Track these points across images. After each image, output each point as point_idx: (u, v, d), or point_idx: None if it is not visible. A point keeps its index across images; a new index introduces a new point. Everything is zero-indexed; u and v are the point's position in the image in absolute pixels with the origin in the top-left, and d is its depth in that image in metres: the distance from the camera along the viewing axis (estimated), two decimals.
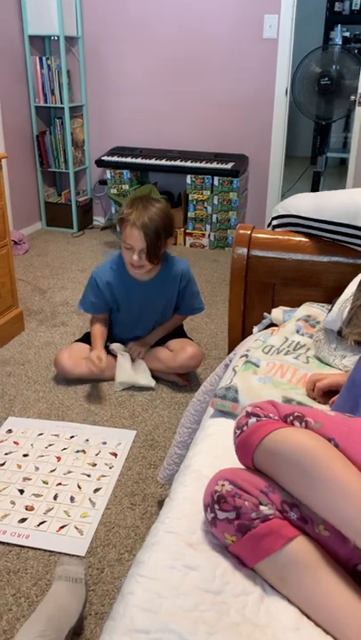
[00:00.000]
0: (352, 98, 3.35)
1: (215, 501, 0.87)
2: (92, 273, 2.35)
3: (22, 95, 4.09)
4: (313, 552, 0.82)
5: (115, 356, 2.37)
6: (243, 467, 0.95)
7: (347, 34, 5.89)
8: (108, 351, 2.38)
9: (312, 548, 0.83)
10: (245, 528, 0.84)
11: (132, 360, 2.37)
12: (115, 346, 2.39)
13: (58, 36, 3.92)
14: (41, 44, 4.13)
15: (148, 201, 2.14)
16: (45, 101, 4.13)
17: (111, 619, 0.72)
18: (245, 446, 0.90)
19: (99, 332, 2.37)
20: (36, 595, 1.44)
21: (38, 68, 4.04)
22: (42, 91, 4.10)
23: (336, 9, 5.84)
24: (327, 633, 0.77)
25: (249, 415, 0.93)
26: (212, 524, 0.88)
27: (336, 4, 5.82)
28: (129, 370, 2.33)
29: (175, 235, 3.84)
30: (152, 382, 2.34)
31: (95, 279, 2.31)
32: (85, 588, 1.36)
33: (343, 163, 5.88)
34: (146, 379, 2.34)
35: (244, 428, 0.91)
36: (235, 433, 0.94)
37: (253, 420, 0.91)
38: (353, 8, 5.75)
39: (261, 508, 0.84)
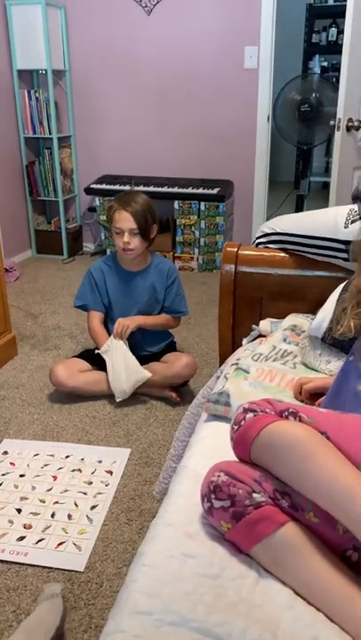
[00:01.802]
0: (331, 123, 3.47)
1: (211, 491, 0.91)
2: (89, 268, 2.52)
3: (11, 127, 4.19)
4: (304, 536, 0.87)
5: (103, 369, 2.40)
6: (238, 461, 0.99)
7: (325, 63, 6.10)
8: (99, 362, 2.41)
9: (303, 533, 0.87)
10: (240, 515, 0.88)
11: (118, 336, 2.36)
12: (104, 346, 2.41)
13: (46, 70, 4.05)
14: (29, 77, 4.26)
15: (131, 192, 2.45)
16: (34, 132, 4.24)
17: (116, 605, 0.76)
18: (243, 440, 0.95)
19: (101, 330, 2.45)
20: None
21: (27, 100, 4.15)
22: (30, 122, 4.21)
23: (314, 40, 6.06)
24: (319, 610, 0.81)
25: (246, 411, 0.97)
26: (209, 513, 0.92)
27: (313, 35, 6.04)
28: (122, 374, 2.33)
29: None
30: (146, 374, 2.34)
31: (91, 271, 2.49)
32: (62, 600, 1.42)
33: (326, 186, 6.02)
34: (138, 373, 2.34)
35: (242, 423, 0.96)
36: (232, 428, 0.98)
37: (251, 415, 0.96)
38: (330, 39, 5.97)
39: (254, 495, 0.89)
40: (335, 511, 0.82)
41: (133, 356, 2.37)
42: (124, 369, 2.34)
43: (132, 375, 2.33)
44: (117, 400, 2.36)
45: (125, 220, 2.29)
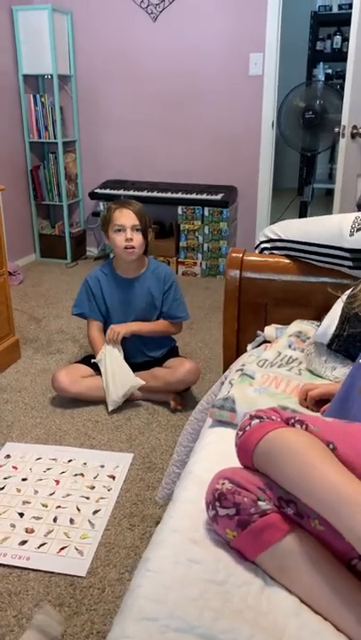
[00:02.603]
0: (336, 130, 3.48)
1: (216, 499, 0.91)
2: (85, 277, 2.51)
3: (17, 131, 4.21)
4: (310, 544, 0.86)
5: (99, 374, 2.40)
6: (242, 468, 0.98)
7: (329, 71, 6.13)
8: (95, 367, 2.41)
9: (309, 540, 0.87)
10: (245, 523, 0.88)
11: (110, 342, 2.37)
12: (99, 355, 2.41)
13: (51, 75, 4.07)
14: (35, 82, 4.28)
15: (125, 198, 2.43)
16: (39, 137, 4.26)
17: (121, 611, 0.76)
18: (246, 447, 0.95)
19: (99, 339, 2.44)
20: None
21: (32, 105, 4.18)
22: (36, 127, 4.23)
23: (318, 47, 6.08)
24: (325, 619, 0.81)
25: (252, 418, 0.97)
26: (214, 520, 0.92)
27: (318, 43, 6.06)
28: (114, 383, 2.34)
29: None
30: (137, 382, 2.34)
31: (88, 280, 2.48)
32: None
33: (329, 193, 6.03)
34: (129, 381, 2.34)
35: (247, 429, 0.96)
36: (237, 435, 0.98)
37: (256, 421, 0.96)
38: (334, 47, 6.00)
39: (260, 503, 0.88)
40: (332, 517, 0.81)
41: (126, 364, 2.36)
42: (117, 377, 2.34)
43: (125, 383, 2.33)
44: (110, 409, 2.36)
45: (127, 217, 2.30)
